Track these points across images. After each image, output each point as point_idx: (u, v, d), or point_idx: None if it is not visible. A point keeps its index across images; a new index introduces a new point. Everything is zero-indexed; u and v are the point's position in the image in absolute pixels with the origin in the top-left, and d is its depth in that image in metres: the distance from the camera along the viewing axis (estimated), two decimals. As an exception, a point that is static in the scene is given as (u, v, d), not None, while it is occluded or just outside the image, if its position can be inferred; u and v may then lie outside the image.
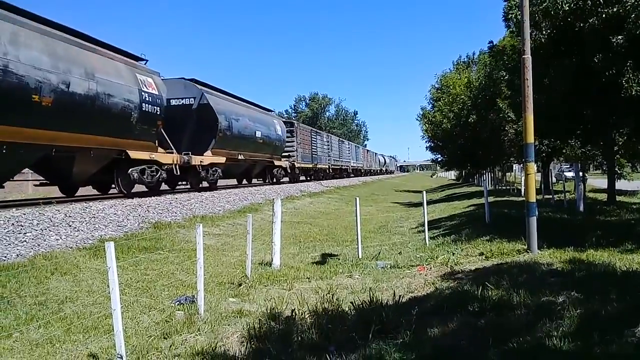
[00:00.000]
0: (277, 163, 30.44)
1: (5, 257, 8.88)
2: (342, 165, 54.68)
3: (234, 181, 30.07)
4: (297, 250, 12.46)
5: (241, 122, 23.91)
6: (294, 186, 31.97)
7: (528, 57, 9.04)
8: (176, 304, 7.39)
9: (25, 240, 9.77)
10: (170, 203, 16.26)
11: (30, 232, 10.22)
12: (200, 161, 20.27)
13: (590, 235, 9.80)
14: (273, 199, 10.72)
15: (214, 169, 21.75)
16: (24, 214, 11.03)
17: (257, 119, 26.53)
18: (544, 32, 12.12)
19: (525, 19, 9.12)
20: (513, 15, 13.62)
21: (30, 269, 8.35)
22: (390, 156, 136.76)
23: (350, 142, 68.62)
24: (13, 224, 10.30)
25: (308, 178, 42.52)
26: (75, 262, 9.28)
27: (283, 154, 32.15)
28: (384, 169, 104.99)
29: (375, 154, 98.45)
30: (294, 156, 34.43)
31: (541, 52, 12.18)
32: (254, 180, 31.99)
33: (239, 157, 24.17)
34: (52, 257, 9.20)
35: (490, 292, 6.11)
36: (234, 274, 9.37)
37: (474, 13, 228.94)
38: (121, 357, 5.07)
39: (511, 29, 15.34)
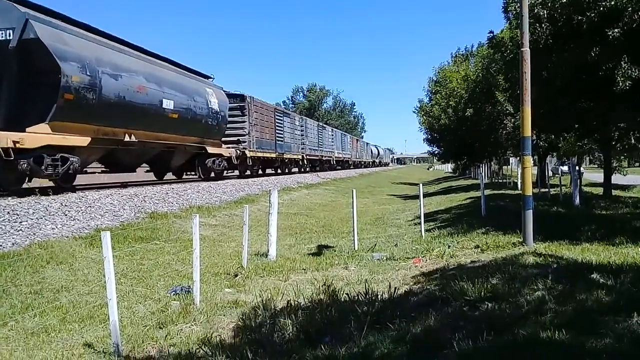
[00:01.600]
0: (212, 150, 21.48)
1: (1, 245, 8.87)
2: (322, 156, 46.27)
3: (138, 177, 21.95)
4: (293, 242, 12.48)
5: (127, 82, 14.88)
6: (289, 178, 30.45)
7: (527, 50, 9.02)
8: (172, 294, 7.39)
9: (20, 229, 9.74)
10: (167, 193, 16.23)
11: (26, 221, 10.19)
12: (16, 142, 11.39)
13: (585, 229, 9.85)
14: (270, 190, 10.71)
15: (57, 156, 12.61)
16: (20, 203, 11.00)
17: (168, 82, 17.47)
18: (543, 25, 12.10)
19: (524, 11, 9.09)
20: (512, 8, 13.58)
21: (26, 258, 8.35)
22: (387, 148, 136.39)
23: (334, 129, 58.34)
24: (9, 213, 10.26)
25: (274, 171, 35.15)
26: (71, 251, 9.27)
27: (225, 138, 23.74)
28: (377, 160, 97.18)
29: (367, 144, 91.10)
30: (245, 142, 25.60)
31: (540, 45, 12.16)
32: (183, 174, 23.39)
33: (128, 139, 15.25)
34: (47, 246, 9.19)
35: (485, 284, 6.12)
36: (230, 265, 9.38)
37: (473, 4, 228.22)
38: (117, 347, 5.08)
39: (510, 21, 15.29)
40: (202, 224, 12.32)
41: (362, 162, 77.37)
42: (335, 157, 52.95)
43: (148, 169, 21.64)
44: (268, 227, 10.09)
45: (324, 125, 52.28)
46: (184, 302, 6.86)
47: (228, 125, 23.63)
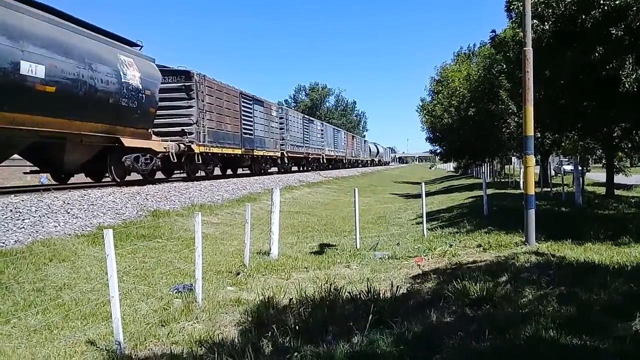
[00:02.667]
0: (132, 143, 15.60)
1: (4, 243, 8.89)
2: (308, 154, 40.44)
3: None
4: (295, 240, 12.47)
5: None
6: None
7: (529, 49, 9.01)
8: (174, 292, 7.40)
9: (23, 227, 9.76)
10: (169, 191, 16.25)
11: (29, 218, 10.21)
12: None
13: (588, 229, 9.82)
14: (272, 189, 10.72)
15: None
16: (22, 201, 11.02)
17: (36, 38, 11.52)
18: (546, 24, 12.08)
19: (526, 10, 9.07)
20: (515, 6, 13.56)
21: (29, 256, 8.36)
22: (389, 147, 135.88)
23: (325, 124, 52.34)
24: (11, 211, 10.28)
25: (248, 170, 29.37)
26: (73, 249, 9.29)
27: (161, 129, 18.64)
28: (376, 159, 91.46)
29: (365, 141, 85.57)
30: (192, 133, 19.62)
31: (543, 44, 12.14)
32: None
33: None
34: (50, 244, 9.20)
35: (487, 284, 6.12)
36: (232, 263, 9.39)
37: (476, 3, 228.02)
38: (119, 344, 5.09)
39: (513, 20, 15.27)
40: (204, 222, 12.33)
41: (359, 161, 71.58)
42: (326, 154, 47.14)
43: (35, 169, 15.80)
44: (270, 225, 10.10)
45: (311, 119, 45.52)
46: (186, 300, 6.87)
47: (169, 112, 19.00)
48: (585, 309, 5.07)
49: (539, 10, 11.91)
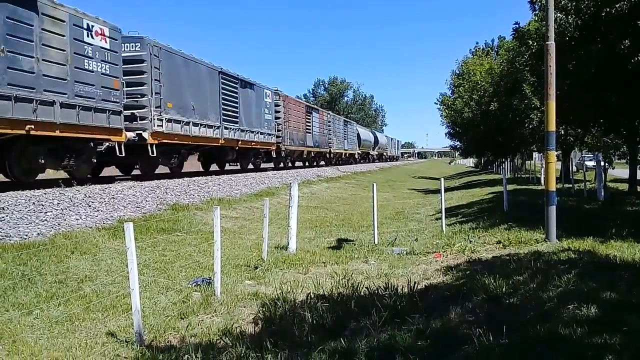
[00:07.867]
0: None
1: (27, 235, 9.03)
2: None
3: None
4: (313, 235, 12.48)
5: None
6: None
7: (552, 43, 8.85)
8: (193, 285, 7.46)
9: (45, 220, 9.92)
10: (189, 185, 16.38)
11: (51, 211, 10.37)
12: None
13: (610, 226, 9.65)
14: (290, 183, 10.73)
15: None
16: (45, 194, 11.19)
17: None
18: (570, 17, 11.87)
19: (549, 3, 8.91)
20: (538, -1, 13.37)
21: (51, 248, 8.48)
22: (408, 142, 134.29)
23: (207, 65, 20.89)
24: (34, 203, 10.46)
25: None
26: (94, 241, 9.41)
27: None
28: (374, 153, 66.36)
29: (348, 123, 53.27)
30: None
31: (566, 38, 11.93)
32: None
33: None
34: (72, 237, 9.33)
35: (506, 280, 6.06)
36: (251, 257, 9.43)
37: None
38: (139, 336, 5.15)
39: (536, 13, 15.04)
40: (223, 216, 12.38)
41: (328, 155, 41.49)
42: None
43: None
44: (288, 220, 10.11)
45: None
46: (205, 293, 6.92)
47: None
48: (606, 306, 4.98)
49: (563, 3, 11.72)
